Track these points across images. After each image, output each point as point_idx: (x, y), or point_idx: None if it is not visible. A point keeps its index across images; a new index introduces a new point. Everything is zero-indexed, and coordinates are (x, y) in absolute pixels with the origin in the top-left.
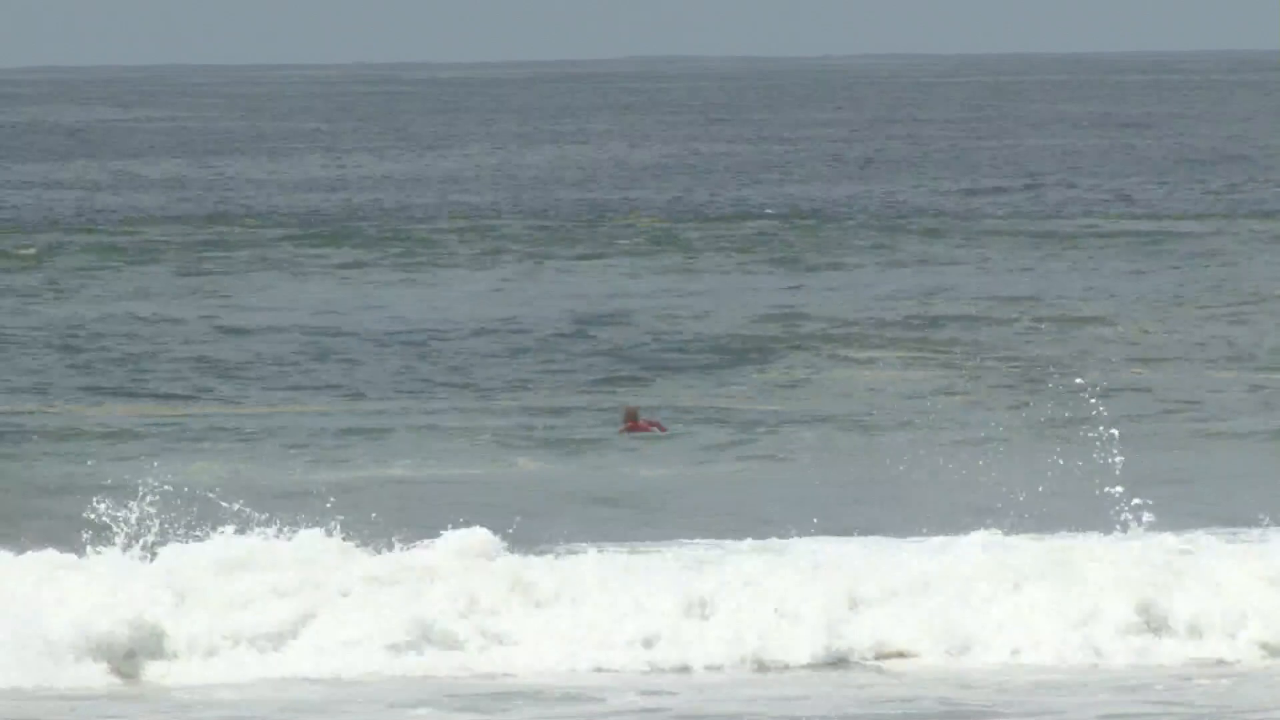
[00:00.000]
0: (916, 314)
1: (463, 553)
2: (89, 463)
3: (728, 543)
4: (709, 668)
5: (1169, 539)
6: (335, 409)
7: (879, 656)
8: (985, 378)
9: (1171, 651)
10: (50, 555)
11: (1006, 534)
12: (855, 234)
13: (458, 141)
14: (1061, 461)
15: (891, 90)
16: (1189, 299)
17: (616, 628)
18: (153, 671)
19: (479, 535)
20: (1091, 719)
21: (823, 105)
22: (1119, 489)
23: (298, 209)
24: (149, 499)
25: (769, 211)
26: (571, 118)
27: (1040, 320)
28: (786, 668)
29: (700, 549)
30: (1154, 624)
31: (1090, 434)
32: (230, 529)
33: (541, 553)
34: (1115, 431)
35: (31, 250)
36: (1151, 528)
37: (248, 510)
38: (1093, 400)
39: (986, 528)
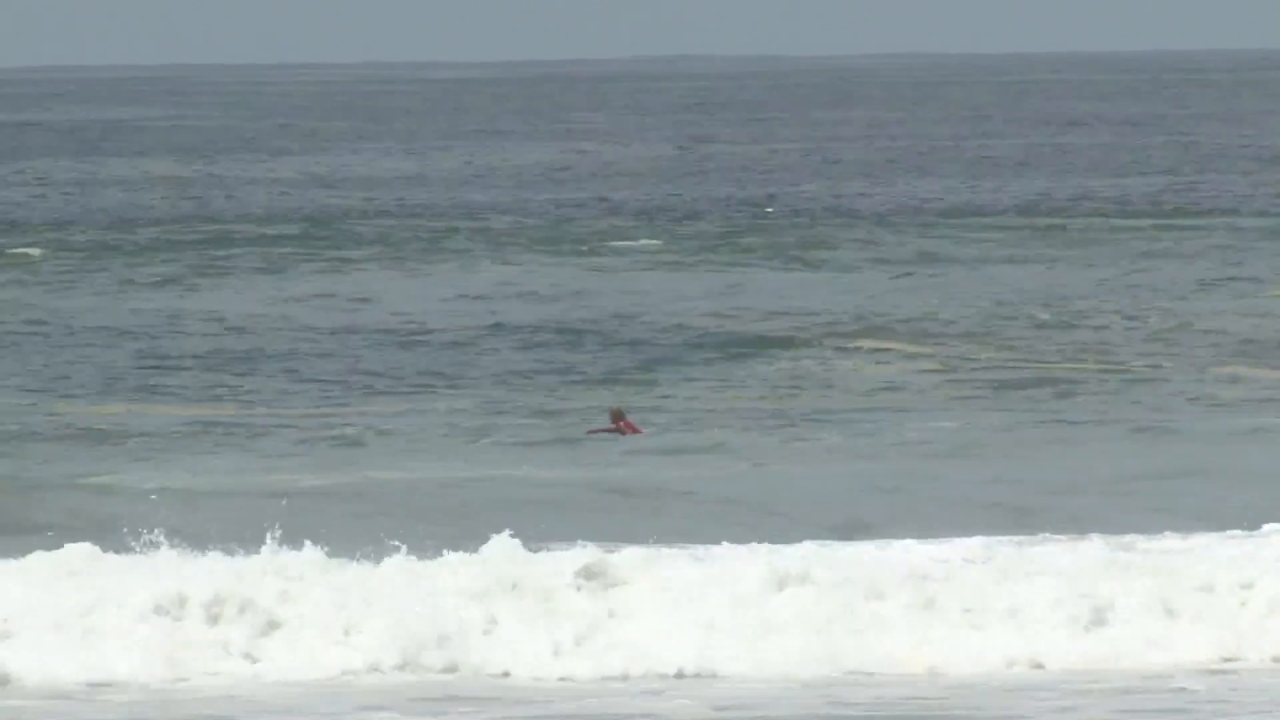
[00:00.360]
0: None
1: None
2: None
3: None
4: None
5: None
6: (320, 412)
7: None
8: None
9: None
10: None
11: None
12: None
13: (493, 137)
14: None
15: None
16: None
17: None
18: None
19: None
20: None
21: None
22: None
23: (297, 209)
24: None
25: (769, 211)
26: (575, 116)
27: (1049, 315)
28: None
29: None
30: None
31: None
32: None
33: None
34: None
35: (37, 251)
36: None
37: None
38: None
39: None
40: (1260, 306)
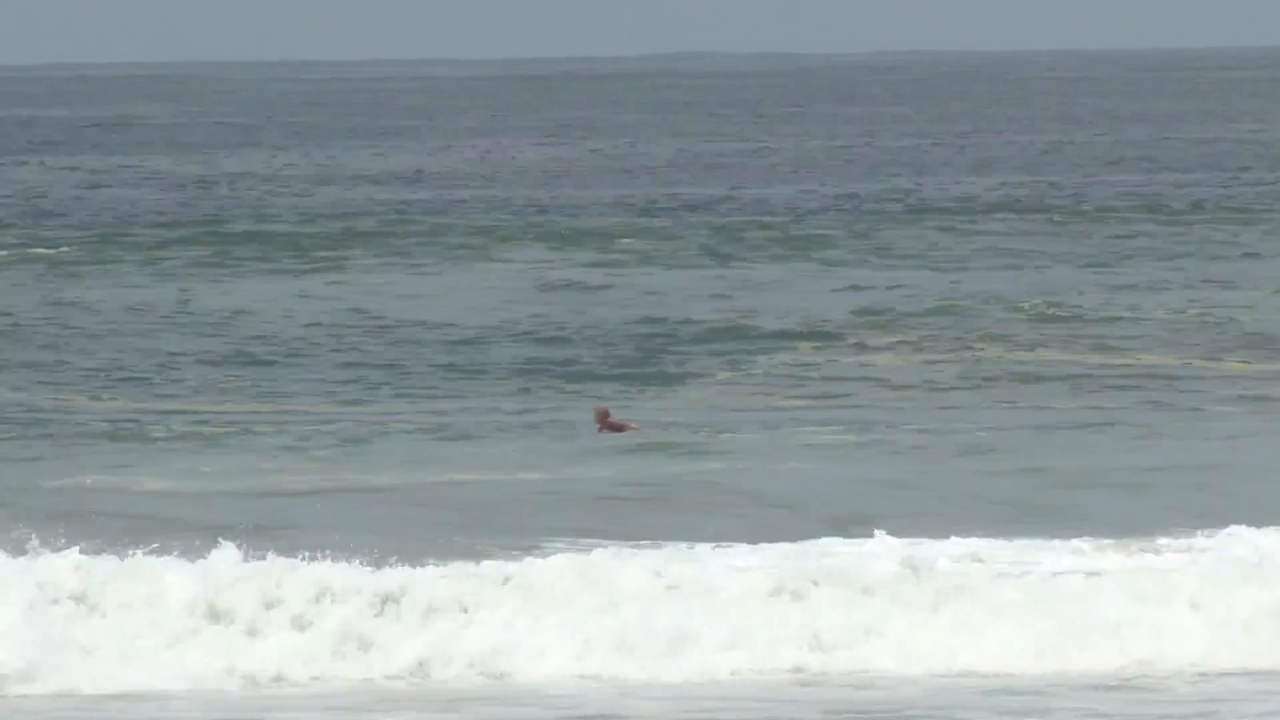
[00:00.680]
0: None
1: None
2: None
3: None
4: None
5: None
6: (318, 411)
7: None
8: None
9: None
10: None
11: None
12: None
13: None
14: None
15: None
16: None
17: None
18: None
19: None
20: None
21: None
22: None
23: (300, 208)
24: None
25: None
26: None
27: (1056, 313)
28: None
29: None
30: None
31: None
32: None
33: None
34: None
35: (64, 248)
36: None
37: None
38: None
39: None
40: (1271, 302)
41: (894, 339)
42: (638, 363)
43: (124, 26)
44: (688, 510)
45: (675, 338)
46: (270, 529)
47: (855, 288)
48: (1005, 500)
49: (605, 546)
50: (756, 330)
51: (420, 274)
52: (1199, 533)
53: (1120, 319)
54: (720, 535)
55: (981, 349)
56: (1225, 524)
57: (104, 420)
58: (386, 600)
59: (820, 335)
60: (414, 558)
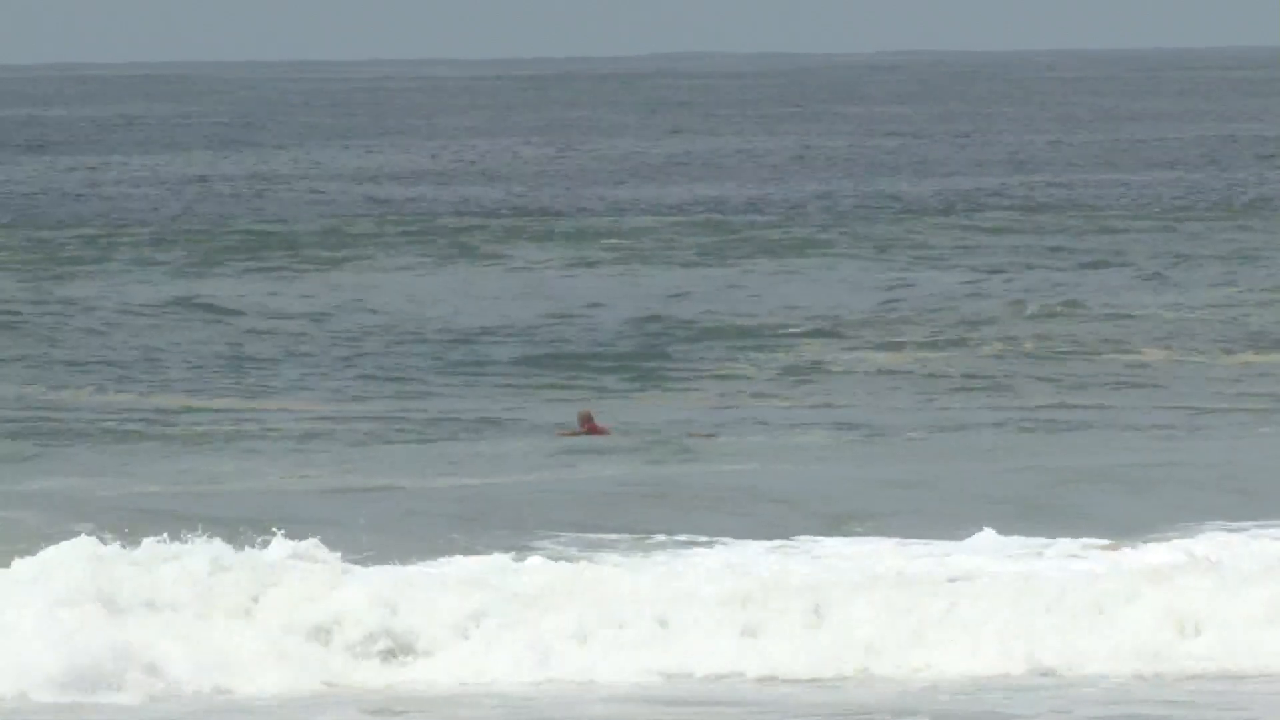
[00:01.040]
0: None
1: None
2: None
3: None
4: None
5: None
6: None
7: None
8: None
9: None
10: None
11: None
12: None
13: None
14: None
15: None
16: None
17: None
18: None
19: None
20: None
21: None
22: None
23: (300, 207)
24: None
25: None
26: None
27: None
28: None
29: None
30: None
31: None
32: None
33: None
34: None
35: (82, 234)
36: None
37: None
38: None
39: None
40: (1272, 300)
41: (894, 338)
42: (637, 361)
43: (124, 26)
44: (688, 510)
45: (674, 337)
46: (269, 527)
47: (855, 287)
48: (1006, 499)
49: (604, 545)
50: (757, 330)
51: (419, 274)
52: (1199, 532)
53: (1120, 318)
54: (720, 533)
55: (982, 348)
56: (1225, 524)
57: (105, 416)
58: None
59: (821, 335)
60: (413, 557)
